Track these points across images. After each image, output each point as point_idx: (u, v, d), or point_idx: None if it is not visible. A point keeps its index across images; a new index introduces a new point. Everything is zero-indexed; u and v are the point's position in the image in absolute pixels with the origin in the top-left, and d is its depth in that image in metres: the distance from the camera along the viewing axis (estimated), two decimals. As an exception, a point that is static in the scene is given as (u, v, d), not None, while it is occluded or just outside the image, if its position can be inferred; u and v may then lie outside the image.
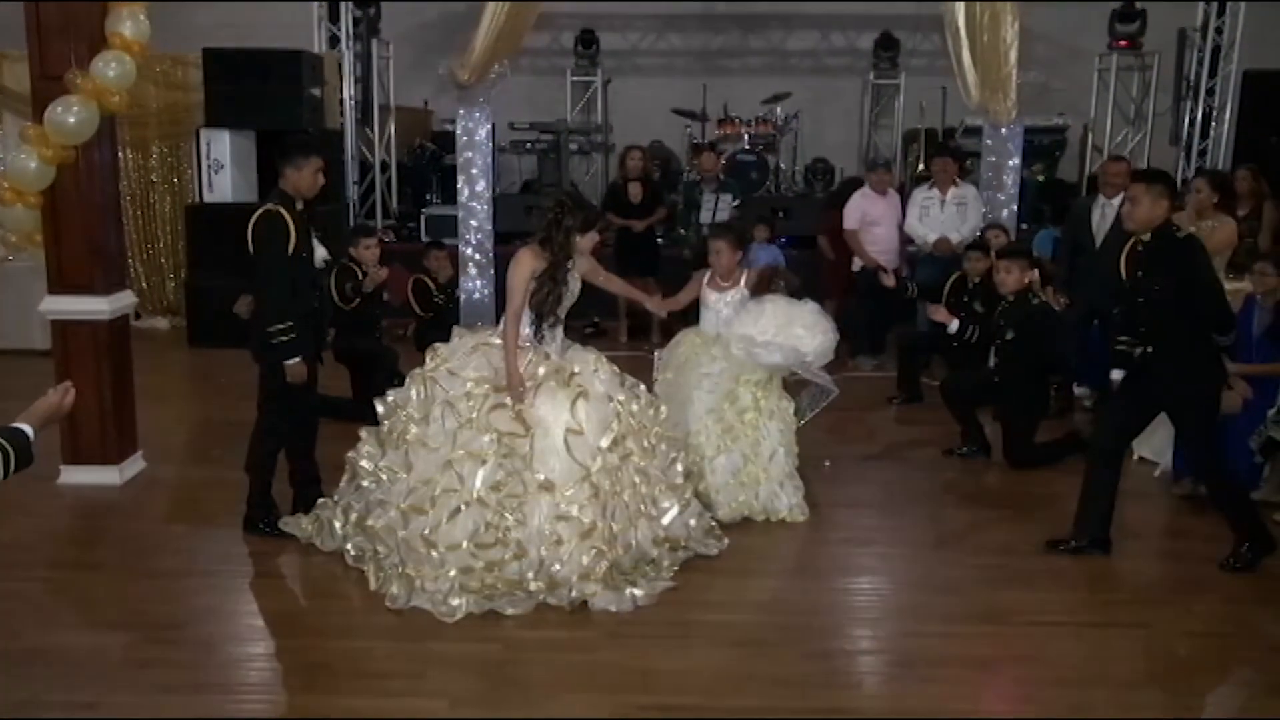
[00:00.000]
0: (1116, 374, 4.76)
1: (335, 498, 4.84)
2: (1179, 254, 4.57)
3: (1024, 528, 5.13)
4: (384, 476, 4.47)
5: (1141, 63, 10.34)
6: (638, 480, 4.48)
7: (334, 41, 9.93)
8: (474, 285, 8.74)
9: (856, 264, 8.35)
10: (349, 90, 10.06)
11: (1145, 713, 3.56)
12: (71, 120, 5.09)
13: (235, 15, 10.45)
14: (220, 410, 7.18)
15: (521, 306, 4.48)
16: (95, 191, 5.35)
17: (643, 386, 4.80)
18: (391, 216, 10.72)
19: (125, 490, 5.55)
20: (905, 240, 8.40)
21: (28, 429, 2.81)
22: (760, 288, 5.39)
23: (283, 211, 4.62)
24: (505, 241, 9.00)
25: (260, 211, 4.67)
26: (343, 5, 9.96)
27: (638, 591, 4.24)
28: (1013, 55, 6.80)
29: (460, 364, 4.47)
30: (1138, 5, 10.04)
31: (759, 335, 5.09)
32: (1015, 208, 8.27)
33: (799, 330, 5.14)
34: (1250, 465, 5.48)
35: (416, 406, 4.47)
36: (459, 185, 8.76)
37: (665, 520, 4.57)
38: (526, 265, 4.47)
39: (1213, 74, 9.57)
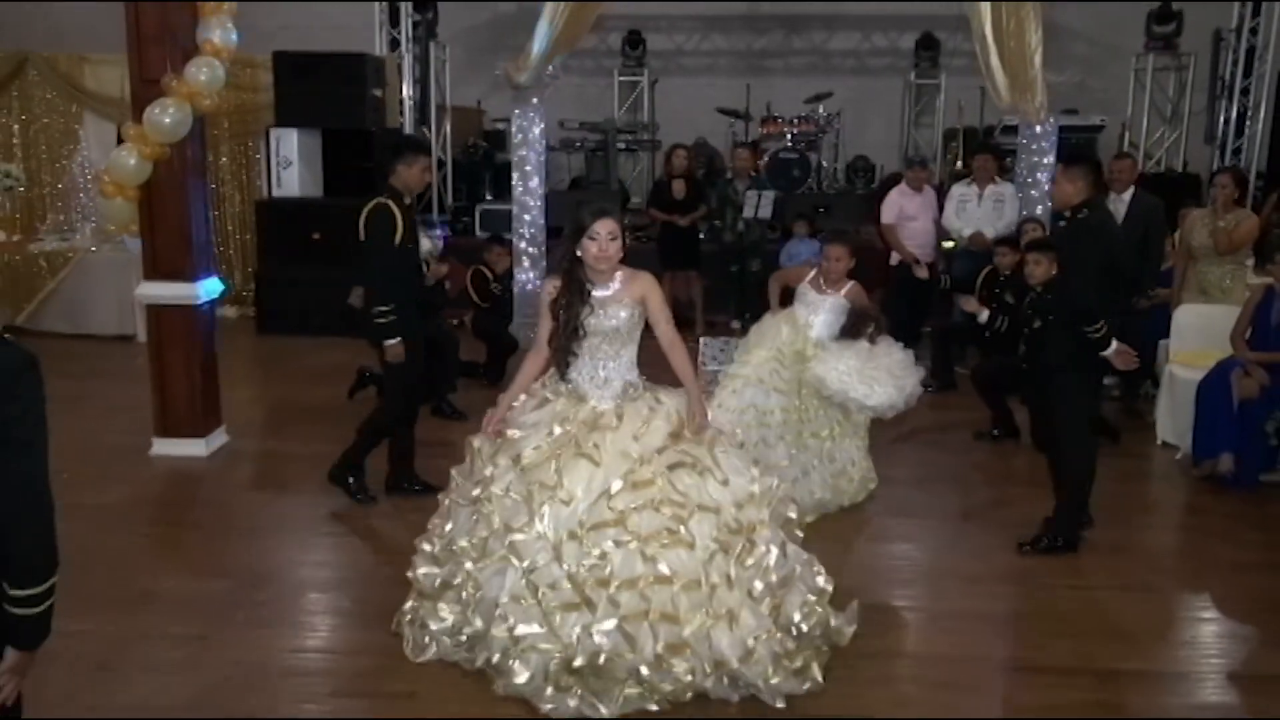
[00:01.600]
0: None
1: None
2: (1062, 236, 4.86)
3: (1048, 504, 5.42)
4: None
5: (1178, 63, 10.54)
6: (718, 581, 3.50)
7: (394, 44, 10.40)
8: (527, 277, 9.19)
9: (894, 258, 8.66)
10: (408, 91, 10.52)
11: (1146, 662, 3.89)
12: (168, 120, 5.56)
13: (297, 18, 10.96)
14: (292, 391, 7.68)
15: (545, 335, 3.80)
16: (187, 186, 5.83)
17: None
18: (446, 212, 11.18)
19: (211, 461, 6.04)
20: (942, 235, 8.69)
21: None
22: (855, 330, 5.36)
23: (391, 205, 5.03)
24: (556, 235, 9.42)
25: (371, 205, 5.08)
26: (402, 9, 10.41)
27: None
28: (1037, 59, 7.07)
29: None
30: (1174, 6, 10.24)
31: (855, 385, 5.13)
32: (1049, 204, 8.52)
33: (891, 377, 5.19)
34: (1266, 448, 5.75)
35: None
36: (514, 181, 9.21)
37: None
38: (547, 291, 3.81)
39: (1247, 74, 9.76)
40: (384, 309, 5.06)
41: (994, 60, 7.17)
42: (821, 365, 5.22)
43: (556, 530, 3.46)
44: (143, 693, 3.59)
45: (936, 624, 4.21)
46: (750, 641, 3.42)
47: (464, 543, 3.65)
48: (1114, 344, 4.69)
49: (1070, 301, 4.74)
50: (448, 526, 3.78)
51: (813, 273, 5.54)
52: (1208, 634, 4.26)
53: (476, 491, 3.67)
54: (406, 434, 5.52)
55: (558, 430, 3.64)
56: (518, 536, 3.47)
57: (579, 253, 3.67)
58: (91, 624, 3.93)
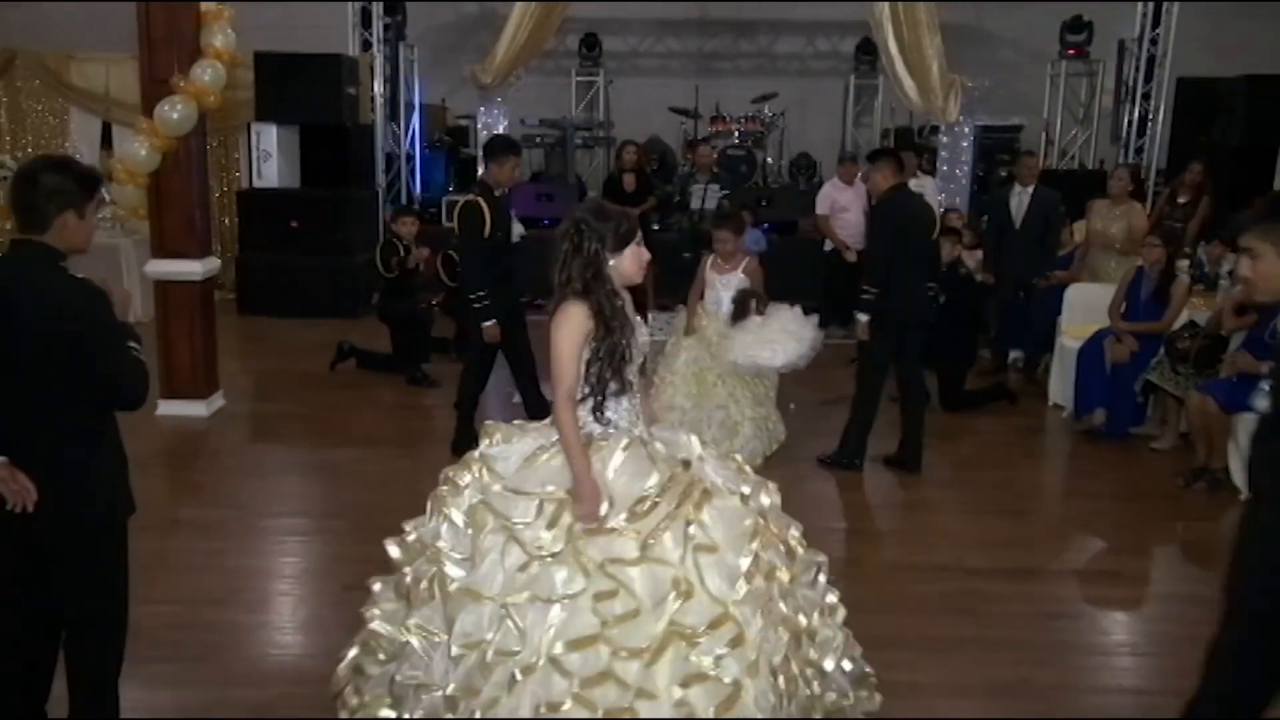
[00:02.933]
0: (862, 317, 5.86)
1: (344, 682, 3.22)
2: (872, 214, 5.94)
3: (947, 449, 6.32)
4: (414, 640, 2.99)
5: (1089, 69, 11.52)
6: (789, 612, 3.05)
7: (366, 45, 11.07)
8: (492, 262, 9.93)
9: (827, 245, 9.51)
10: (379, 88, 11.21)
11: (1008, 563, 4.77)
12: (175, 116, 6.27)
13: (272, 17, 11.56)
14: (277, 363, 8.40)
15: (575, 384, 3.06)
16: (191, 174, 6.55)
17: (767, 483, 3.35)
18: (414, 202, 11.88)
19: (211, 420, 6.75)
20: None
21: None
22: (742, 311, 6.00)
23: (481, 201, 5.68)
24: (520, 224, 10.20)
25: (461, 203, 5.76)
26: (374, 11, 11.09)
27: None
28: (935, 68, 7.97)
29: (521, 479, 3.04)
30: (1085, 18, 11.22)
31: (759, 353, 5.83)
32: (967, 195, 9.44)
33: (787, 334, 5.87)
34: (1135, 405, 6.68)
35: (455, 541, 3.03)
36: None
37: (828, 665, 3.16)
38: (577, 323, 3.04)
39: (1148, 80, 10.73)
40: (479, 294, 5.65)
41: (899, 68, 8.05)
42: (728, 351, 5.95)
43: None
44: (183, 585, 4.35)
45: (844, 537, 5.06)
46: None
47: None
48: (865, 317, 5.79)
49: (868, 267, 5.87)
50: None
51: (711, 258, 6.31)
52: (1062, 544, 5.14)
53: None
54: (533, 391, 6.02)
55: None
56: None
57: (611, 263, 3.10)
58: (146, 543, 4.67)
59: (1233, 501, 5.65)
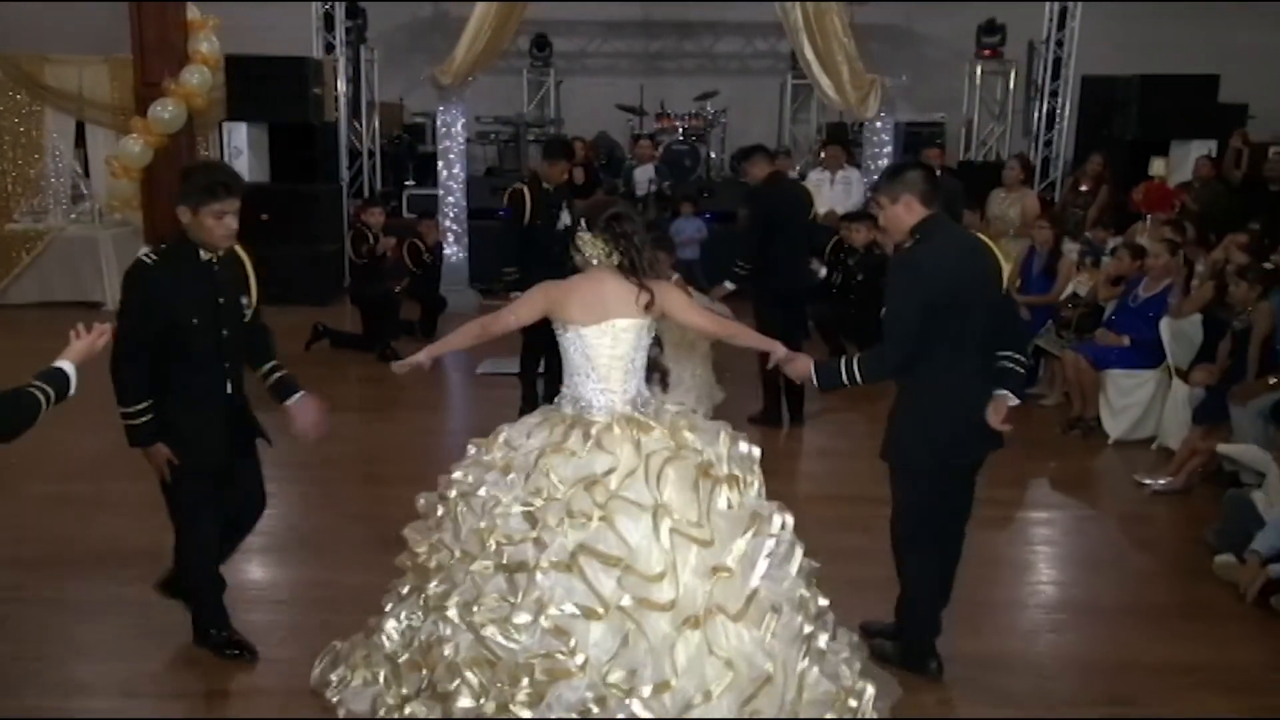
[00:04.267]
0: (729, 285, 6.83)
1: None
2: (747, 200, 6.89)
3: (867, 406, 7.12)
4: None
5: (1003, 68, 12.47)
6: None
7: (329, 48, 11.70)
8: (452, 250, 10.67)
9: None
10: (342, 88, 11.84)
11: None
12: (167, 116, 6.94)
13: (240, 20, 12.15)
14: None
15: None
16: (180, 168, 7.18)
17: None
18: (375, 196, 12.53)
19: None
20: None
21: (66, 366, 3.12)
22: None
23: (525, 190, 6.58)
24: (475, 217, 10.97)
25: (509, 189, 6.63)
26: (336, 15, 11.73)
27: None
28: (846, 71, 8.83)
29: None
30: (999, 20, 12.17)
31: None
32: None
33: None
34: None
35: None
36: (439, 169, 10.67)
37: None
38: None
39: (1056, 78, 11.69)
40: (510, 269, 6.50)
41: (816, 70, 8.92)
42: None
43: None
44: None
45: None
46: None
47: None
48: (731, 285, 6.79)
49: (742, 246, 6.78)
50: None
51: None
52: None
53: None
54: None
55: None
56: None
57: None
58: (152, 486, 5.36)
59: (1102, 446, 6.59)
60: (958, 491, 3.87)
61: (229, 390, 3.76)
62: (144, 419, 3.69)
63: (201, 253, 3.69)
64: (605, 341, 3.38)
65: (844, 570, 4.59)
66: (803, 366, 3.80)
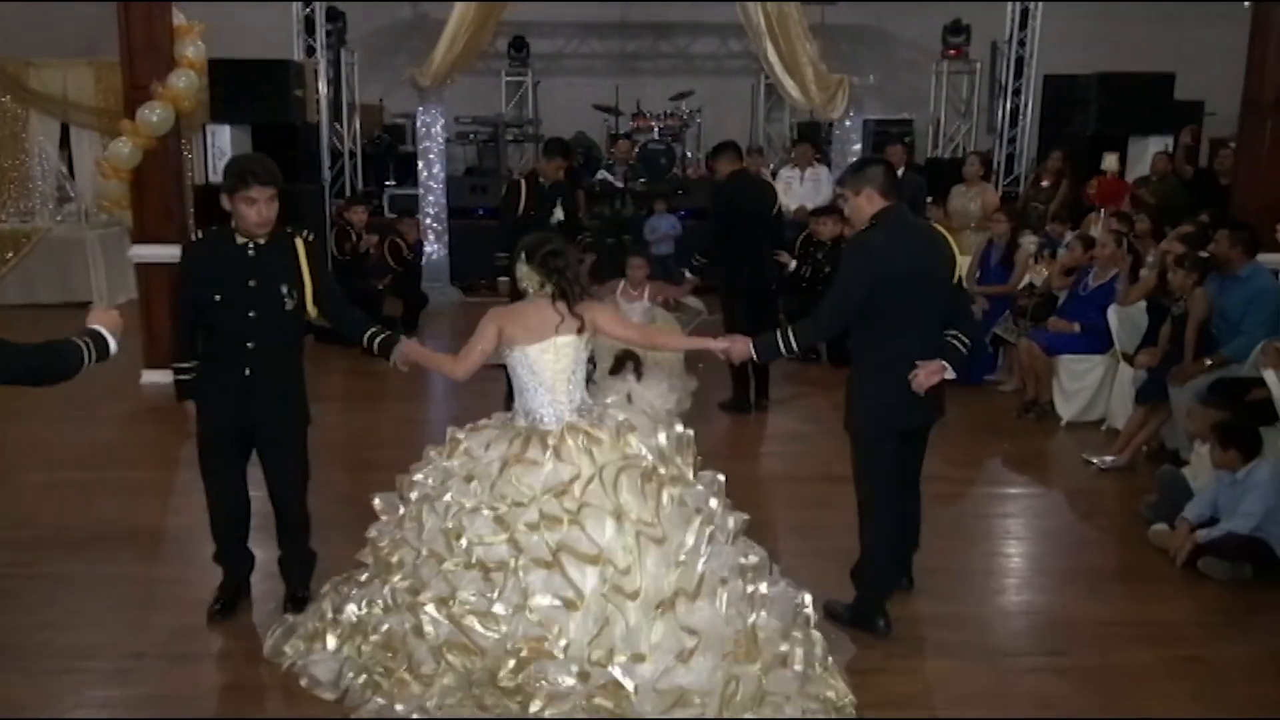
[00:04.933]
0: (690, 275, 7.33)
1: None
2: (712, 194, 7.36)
3: (833, 394, 7.34)
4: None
5: (968, 67, 12.83)
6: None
7: (310, 50, 11.92)
8: (433, 248, 10.93)
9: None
10: (323, 90, 12.06)
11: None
12: (155, 118, 7.16)
13: (220, 23, 12.31)
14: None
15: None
16: (168, 169, 7.45)
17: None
18: (358, 195, 12.76)
19: (190, 387, 7.66)
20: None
21: (100, 328, 3.21)
22: (616, 369, 6.59)
23: (521, 182, 7.03)
24: (455, 216, 11.24)
25: (509, 180, 7.06)
26: (317, 19, 11.95)
27: None
28: (809, 72, 9.15)
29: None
30: (964, 21, 12.53)
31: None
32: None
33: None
34: (986, 357, 7.89)
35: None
36: (420, 169, 10.94)
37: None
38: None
39: (1019, 77, 12.04)
40: (502, 254, 6.77)
41: (779, 72, 9.23)
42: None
43: None
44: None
45: (736, 463, 6.17)
46: None
47: None
48: (691, 276, 7.29)
49: (705, 239, 7.25)
50: None
51: (621, 284, 7.40)
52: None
53: None
54: None
55: None
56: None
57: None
58: (149, 473, 5.63)
59: (1055, 428, 6.91)
60: (909, 456, 4.21)
61: (247, 371, 3.96)
62: (184, 376, 4.06)
63: (239, 237, 3.93)
64: (549, 358, 3.75)
65: (807, 543, 4.93)
66: (741, 347, 4.19)
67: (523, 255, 3.79)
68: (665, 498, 3.64)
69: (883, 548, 4.18)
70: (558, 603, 3.47)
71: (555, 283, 3.75)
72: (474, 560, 3.57)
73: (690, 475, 3.81)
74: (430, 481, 3.79)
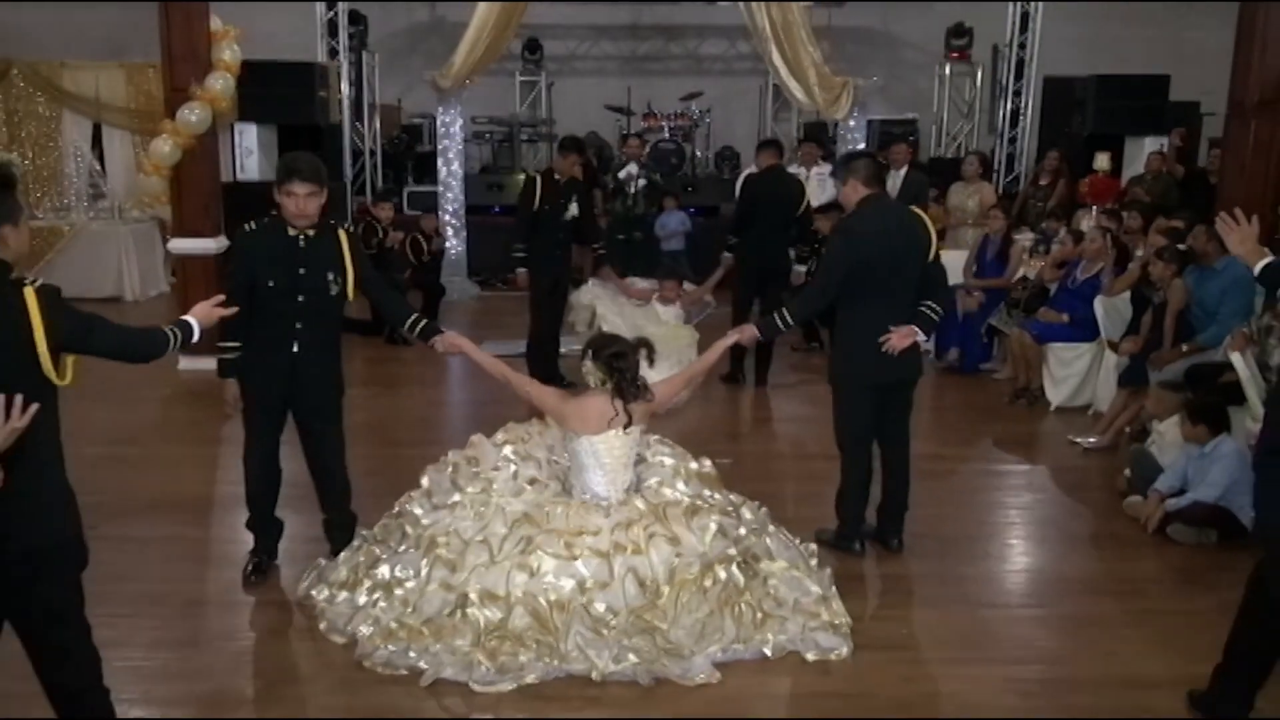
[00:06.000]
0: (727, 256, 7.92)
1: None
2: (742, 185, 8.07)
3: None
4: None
5: (970, 69, 13.21)
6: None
7: (333, 53, 12.36)
8: (451, 244, 11.34)
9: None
10: (345, 91, 12.50)
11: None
12: (194, 119, 7.58)
13: (249, 26, 12.73)
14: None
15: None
16: (206, 166, 7.87)
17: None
18: (385, 192, 13.16)
19: (225, 373, 8.08)
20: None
21: (191, 320, 3.50)
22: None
23: (537, 178, 7.36)
24: (472, 212, 11.65)
25: (526, 175, 7.50)
26: (339, 22, 12.38)
27: None
28: (813, 74, 9.54)
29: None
30: (966, 24, 12.91)
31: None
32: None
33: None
34: (982, 347, 8.27)
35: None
36: (439, 167, 11.35)
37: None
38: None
39: (1019, 78, 12.42)
40: (519, 246, 7.30)
41: (784, 73, 9.62)
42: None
43: None
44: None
45: (740, 441, 6.57)
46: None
47: None
48: (728, 256, 7.86)
49: (733, 222, 7.81)
50: None
51: (638, 282, 8.05)
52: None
53: None
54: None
55: None
56: None
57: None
58: (192, 449, 6.04)
59: (1044, 412, 7.30)
60: (890, 406, 4.81)
61: (295, 349, 4.35)
62: (228, 356, 4.42)
63: (289, 229, 4.31)
64: (613, 445, 4.16)
65: (815, 511, 5.32)
66: (750, 332, 4.82)
67: (590, 352, 4.18)
68: (713, 525, 4.09)
69: (854, 484, 4.86)
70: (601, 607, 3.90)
71: (615, 381, 4.13)
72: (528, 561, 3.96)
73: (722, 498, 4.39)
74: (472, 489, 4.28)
